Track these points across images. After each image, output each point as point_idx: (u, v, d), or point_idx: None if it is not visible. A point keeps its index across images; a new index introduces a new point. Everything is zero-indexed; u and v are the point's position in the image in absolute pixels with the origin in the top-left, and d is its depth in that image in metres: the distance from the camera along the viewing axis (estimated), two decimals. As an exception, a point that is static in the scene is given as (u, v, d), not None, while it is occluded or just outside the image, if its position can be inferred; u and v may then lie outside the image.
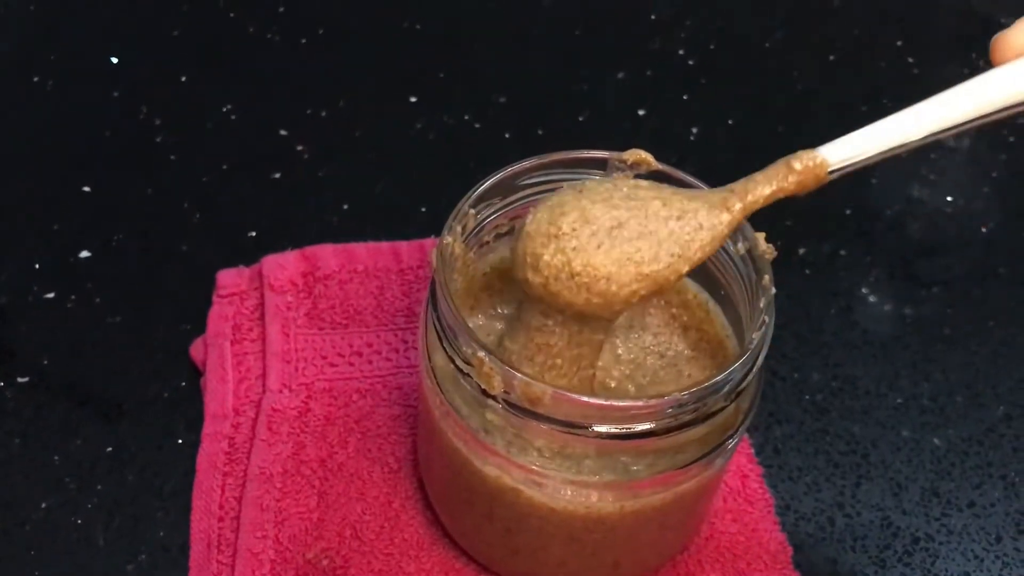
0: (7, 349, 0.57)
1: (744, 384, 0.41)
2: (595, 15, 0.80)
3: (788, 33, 0.79)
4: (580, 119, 0.72)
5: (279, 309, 0.57)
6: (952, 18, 0.81)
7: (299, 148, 0.69)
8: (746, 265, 0.44)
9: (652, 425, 0.39)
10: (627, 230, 0.40)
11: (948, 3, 0.82)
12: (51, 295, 0.59)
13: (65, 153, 0.68)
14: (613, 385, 0.46)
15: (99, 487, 0.52)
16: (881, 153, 0.40)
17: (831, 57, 0.77)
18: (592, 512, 0.42)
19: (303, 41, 0.76)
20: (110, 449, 0.53)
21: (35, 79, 0.72)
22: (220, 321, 0.57)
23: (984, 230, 0.67)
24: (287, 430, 0.52)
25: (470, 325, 0.47)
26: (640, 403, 0.39)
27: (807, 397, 0.57)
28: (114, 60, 0.74)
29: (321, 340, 0.56)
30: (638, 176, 0.44)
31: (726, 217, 0.40)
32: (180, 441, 0.54)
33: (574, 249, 0.39)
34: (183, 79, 0.73)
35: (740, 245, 0.44)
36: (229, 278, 0.58)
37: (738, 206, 0.40)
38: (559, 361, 0.43)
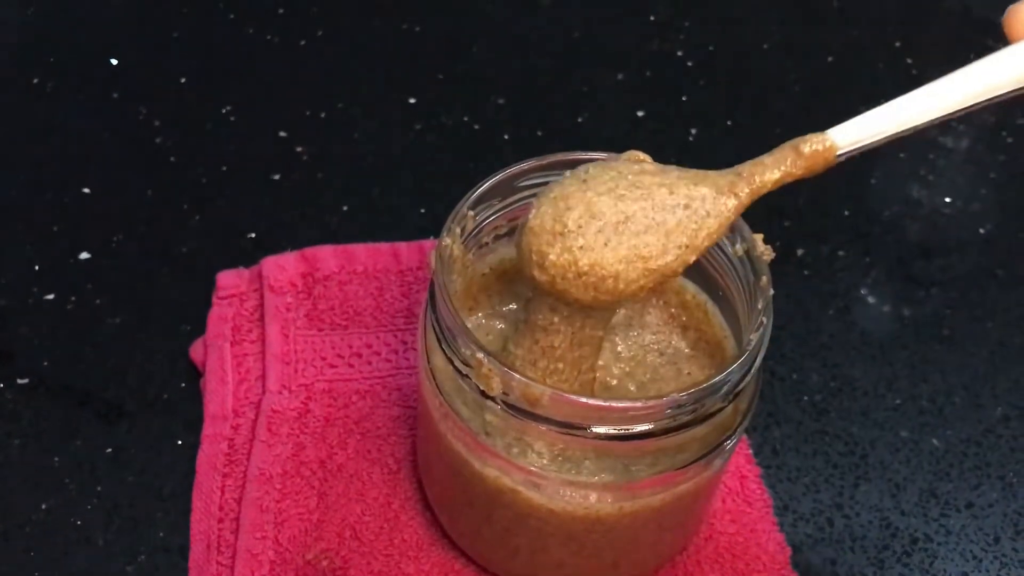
0: (7, 350, 0.57)
1: (742, 385, 0.41)
2: (594, 16, 0.80)
3: (786, 35, 0.79)
4: (579, 120, 0.72)
5: (279, 310, 0.57)
6: (950, 20, 0.81)
7: (298, 149, 0.69)
8: (744, 266, 0.44)
9: (650, 426, 0.39)
10: (634, 223, 0.39)
11: (946, 5, 0.82)
12: (51, 296, 0.59)
13: (65, 154, 0.68)
14: (614, 383, 0.46)
15: (99, 488, 0.52)
16: (891, 135, 0.39)
17: (829, 59, 0.78)
18: (591, 513, 0.42)
19: (302, 43, 0.76)
20: (110, 450, 0.53)
21: (35, 80, 0.72)
22: (220, 322, 0.57)
23: (982, 231, 0.67)
24: (287, 431, 0.53)
25: (469, 324, 0.47)
26: (638, 404, 0.39)
27: (806, 398, 0.57)
28: (114, 61, 0.74)
29: (321, 341, 0.56)
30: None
31: (733, 203, 0.40)
32: (180, 442, 0.54)
33: (581, 248, 0.39)
34: (183, 80, 0.73)
35: (738, 246, 0.44)
36: (229, 279, 0.59)
37: (745, 191, 0.40)
38: (561, 365, 0.43)
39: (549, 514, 0.43)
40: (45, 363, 0.56)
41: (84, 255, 0.62)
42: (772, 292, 0.42)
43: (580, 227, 0.39)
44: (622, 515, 0.43)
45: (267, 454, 0.52)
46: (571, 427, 0.39)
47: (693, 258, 0.40)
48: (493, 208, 0.46)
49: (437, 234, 0.44)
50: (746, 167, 0.40)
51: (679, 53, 0.77)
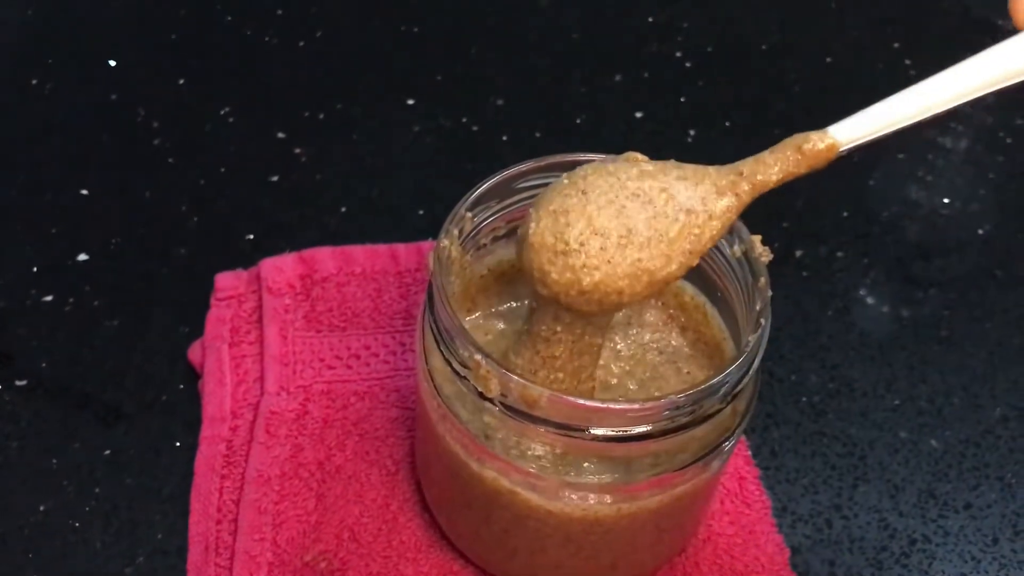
0: (6, 352, 0.57)
1: (740, 386, 0.41)
2: (592, 18, 0.80)
3: (785, 36, 0.79)
4: (577, 121, 0.72)
5: (277, 312, 0.57)
6: (949, 20, 0.81)
7: (297, 151, 0.69)
8: (742, 268, 0.44)
9: (648, 427, 0.39)
10: (637, 236, 0.39)
11: (945, 5, 0.82)
12: (49, 298, 0.59)
13: (63, 156, 0.68)
14: (614, 382, 0.47)
15: (97, 490, 0.52)
16: (892, 130, 0.39)
17: (828, 59, 0.78)
18: (589, 514, 0.42)
19: (301, 44, 0.76)
20: (108, 452, 0.53)
21: (33, 82, 0.72)
22: (218, 324, 0.57)
23: (981, 232, 0.67)
24: (285, 433, 0.53)
25: (468, 324, 0.48)
26: (636, 406, 0.39)
27: (804, 399, 0.57)
28: (112, 63, 0.74)
29: (319, 343, 0.56)
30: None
31: (735, 203, 0.40)
32: (178, 444, 0.54)
33: (583, 267, 0.39)
34: (181, 82, 0.73)
35: (737, 248, 0.44)
36: (227, 281, 0.59)
37: (746, 189, 0.40)
38: (561, 375, 0.43)
39: (547, 515, 0.43)
40: (43, 365, 0.56)
41: (82, 256, 0.62)
42: (770, 293, 0.42)
43: (582, 245, 0.39)
44: (620, 516, 0.43)
45: (265, 456, 0.51)
46: (569, 428, 0.39)
47: (696, 261, 0.40)
48: (491, 210, 0.46)
49: (436, 235, 0.43)
50: (747, 165, 0.40)
51: (677, 54, 0.77)
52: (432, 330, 0.42)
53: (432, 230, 0.63)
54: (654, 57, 0.77)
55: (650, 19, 0.80)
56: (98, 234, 0.63)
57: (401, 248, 0.60)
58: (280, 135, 0.70)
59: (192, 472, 0.52)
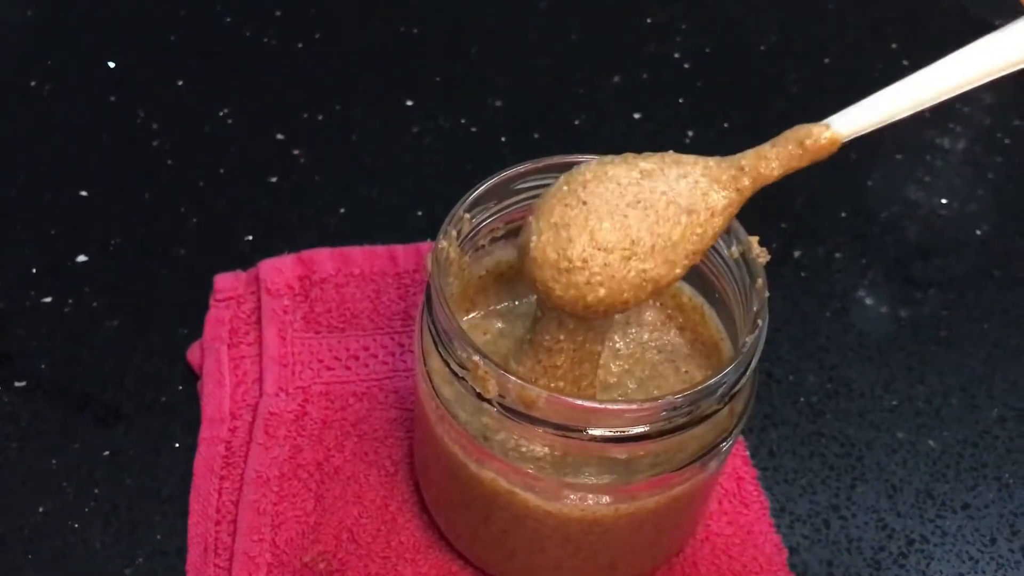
0: (5, 353, 0.57)
1: (738, 387, 0.41)
2: (591, 19, 0.80)
3: (783, 36, 0.80)
4: (576, 122, 0.72)
5: (276, 313, 0.57)
6: (947, 20, 0.81)
7: (296, 152, 0.69)
8: (740, 269, 0.44)
9: (646, 428, 0.39)
10: (640, 246, 0.38)
11: (942, 5, 0.82)
12: (48, 299, 0.59)
13: (62, 157, 0.68)
14: (613, 381, 0.47)
15: (96, 491, 0.52)
16: (893, 119, 0.39)
17: (826, 60, 0.78)
18: (587, 514, 0.42)
19: (300, 45, 0.76)
20: (107, 453, 0.53)
21: (32, 83, 0.72)
22: (217, 325, 0.57)
23: (979, 232, 0.67)
24: (284, 434, 0.53)
25: (466, 323, 0.48)
26: (634, 406, 0.39)
27: (802, 399, 0.57)
28: (111, 64, 0.74)
29: (318, 344, 0.56)
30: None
31: (736, 197, 0.39)
32: (177, 445, 0.54)
33: (587, 284, 0.39)
34: (180, 83, 0.73)
35: (734, 249, 0.44)
36: (226, 282, 0.59)
37: (747, 184, 0.39)
38: (562, 384, 0.44)
39: (546, 516, 0.43)
40: (43, 366, 0.56)
41: (82, 258, 0.62)
42: (768, 294, 0.42)
43: (585, 261, 0.38)
44: (619, 517, 0.43)
45: (264, 456, 0.52)
46: (567, 429, 0.39)
47: (699, 258, 0.40)
48: (490, 211, 0.45)
49: (434, 236, 0.43)
50: (748, 159, 0.39)
51: (676, 55, 0.77)
52: (430, 331, 0.42)
53: (431, 231, 0.63)
54: (653, 58, 0.77)
55: (649, 20, 0.80)
56: (97, 235, 0.63)
57: (400, 249, 0.61)
58: (279, 136, 0.70)
59: (191, 473, 0.52)
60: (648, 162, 0.40)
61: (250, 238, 0.63)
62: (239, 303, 0.58)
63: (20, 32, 0.76)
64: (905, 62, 0.77)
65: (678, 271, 0.39)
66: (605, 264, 0.38)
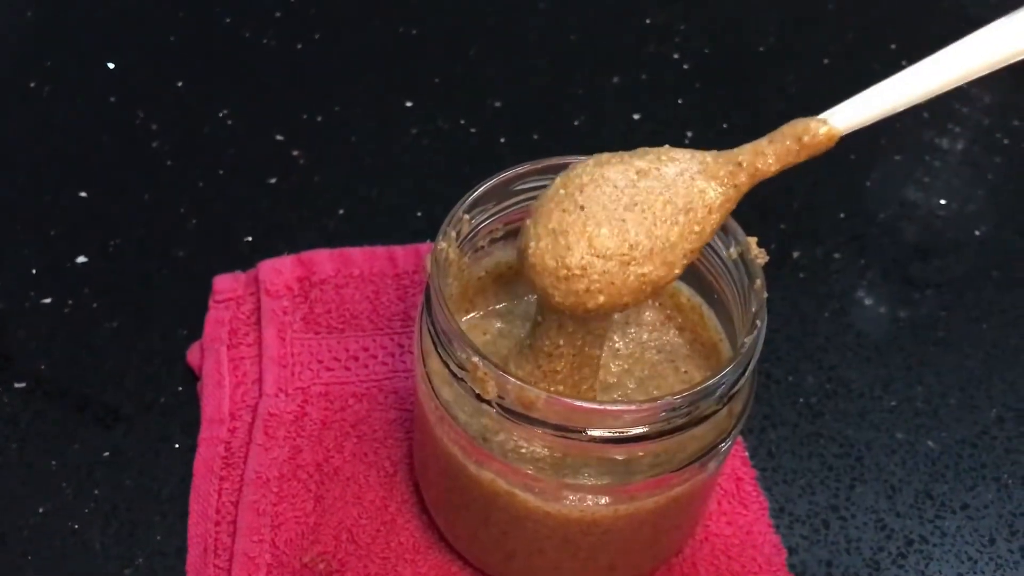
0: (4, 354, 0.57)
1: (737, 388, 0.41)
2: (590, 20, 0.80)
3: (782, 37, 0.80)
4: (575, 123, 0.72)
5: (275, 314, 0.57)
6: (946, 21, 0.81)
7: (295, 153, 0.69)
8: (738, 270, 0.44)
9: (645, 429, 0.39)
10: (639, 250, 0.38)
11: (941, 6, 0.82)
12: (48, 300, 0.59)
13: (62, 159, 0.68)
14: (613, 381, 0.47)
15: (96, 492, 0.52)
16: (890, 112, 0.39)
17: (825, 61, 0.78)
18: (587, 515, 0.42)
19: (299, 46, 0.76)
20: (107, 454, 0.53)
21: (32, 85, 0.72)
22: (216, 326, 0.57)
23: (978, 233, 0.67)
24: (283, 434, 0.53)
25: (466, 323, 0.48)
26: (633, 407, 0.39)
27: (801, 400, 0.57)
28: (111, 65, 0.74)
29: (317, 344, 0.56)
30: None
31: (734, 193, 0.39)
32: (177, 446, 0.54)
33: (587, 291, 0.39)
34: (179, 84, 0.73)
35: (732, 250, 0.44)
36: (225, 283, 0.59)
37: (744, 180, 0.39)
38: (562, 388, 0.44)
39: (545, 516, 0.43)
40: (42, 367, 0.56)
41: (81, 259, 0.62)
42: (766, 295, 0.42)
43: (584, 269, 0.38)
44: (618, 517, 0.43)
45: (264, 457, 0.52)
46: (566, 430, 0.39)
47: (697, 255, 0.40)
48: (489, 212, 0.46)
49: (434, 237, 0.43)
50: (746, 155, 0.39)
51: (675, 56, 0.77)
52: (430, 332, 0.42)
53: (430, 232, 0.63)
54: (652, 58, 0.77)
55: (648, 21, 0.80)
56: (97, 236, 0.63)
57: (399, 250, 0.61)
58: (278, 137, 0.70)
59: (191, 474, 0.52)
60: (644, 160, 0.40)
61: (249, 239, 0.63)
62: (238, 304, 0.58)
63: (20, 33, 0.76)
64: (904, 62, 0.76)
65: (677, 271, 0.39)
66: (604, 271, 0.38)
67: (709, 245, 0.45)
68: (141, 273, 0.61)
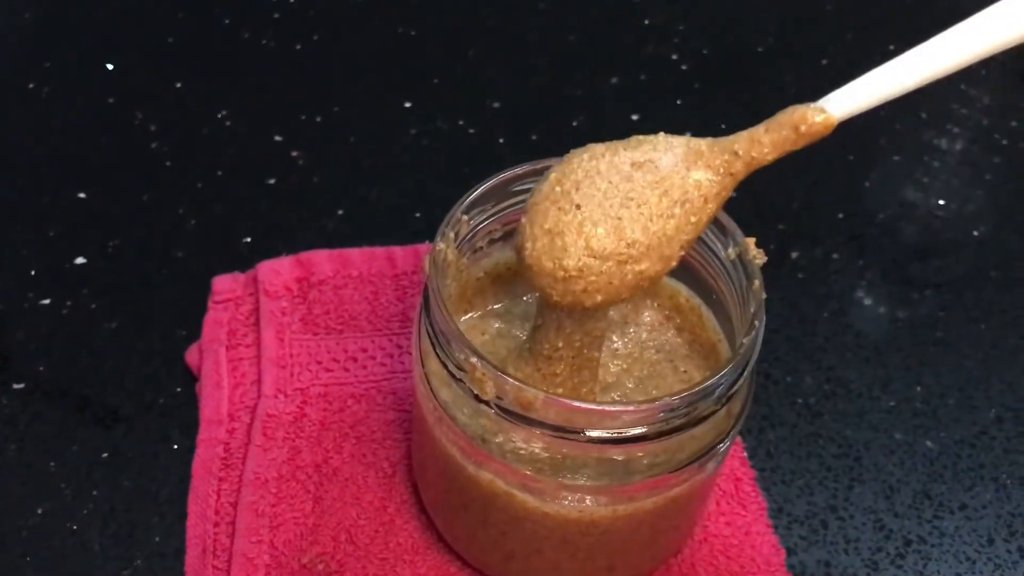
0: (3, 355, 0.57)
1: (735, 388, 0.41)
2: (589, 20, 0.80)
3: (781, 38, 0.80)
4: (574, 124, 0.72)
5: (274, 314, 0.57)
6: (944, 21, 0.81)
7: (294, 154, 0.69)
8: (737, 270, 0.44)
9: (644, 429, 0.39)
10: (636, 247, 0.38)
11: (940, 6, 0.82)
12: (47, 301, 0.59)
13: (60, 160, 0.68)
14: (612, 380, 0.47)
15: (95, 492, 0.52)
16: (887, 98, 0.39)
17: (824, 61, 0.78)
18: (585, 516, 0.42)
19: (298, 47, 0.76)
20: (106, 455, 0.53)
21: (31, 86, 0.72)
22: (215, 327, 0.57)
23: (977, 233, 0.67)
24: (282, 435, 0.53)
25: (464, 324, 0.48)
26: (631, 408, 0.39)
27: (800, 400, 0.57)
28: (109, 67, 0.74)
29: (316, 345, 0.56)
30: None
31: (730, 182, 0.39)
32: (176, 446, 0.54)
33: (584, 291, 0.39)
34: (178, 85, 0.73)
35: (731, 250, 0.44)
36: (224, 284, 0.59)
37: (740, 168, 0.39)
38: (561, 391, 0.44)
39: (544, 517, 0.43)
40: (41, 368, 0.56)
41: (80, 260, 0.62)
42: (765, 296, 0.42)
43: (581, 271, 0.38)
44: (616, 518, 0.43)
45: (263, 458, 0.52)
46: (565, 431, 0.39)
47: (692, 245, 0.40)
48: (487, 213, 0.46)
49: (433, 238, 0.43)
50: (742, 144, 0.39)
51: (674, 56, 0.77)
52: (428, 333, 0.42)
53: (429, 233, 0.63)
54: (651, 59, 0.77)
55: (647, 21, 0.80)
56: (95, 237, 0.63)
57: (398, 251, 0.61)
58: (277, 138, 0.70)
59: (189, 475, 0.52)
60: (639, 151, 0.39)
61: (248, 240, 0.63)
62: (237, 305, 0.58)
63: (19, 34, 0.76)
64: (903, 63, 0.77)
65: (674, 262, 0.39)
66: (601, 272, 0.38)
67: (708, 246, 0.45)
68: (140, 274, 0.61)
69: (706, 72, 0.76)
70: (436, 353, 0.41)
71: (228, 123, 0.70)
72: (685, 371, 0.47)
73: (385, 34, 0.78)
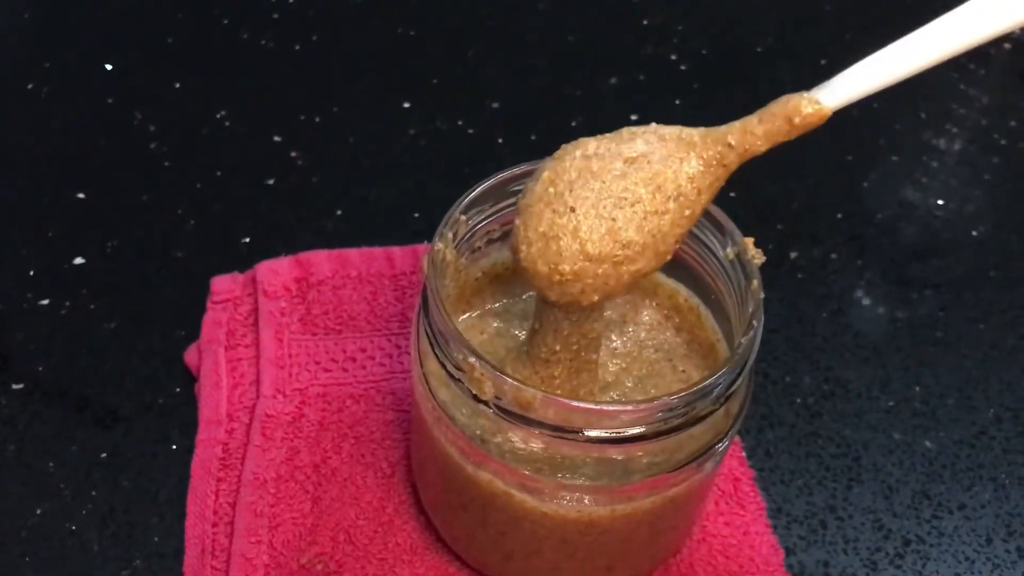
0: (2, 356, 0.57)
1: (733, 388, 0.41)
2: (588, 21, 0.80)
3: (780, 38, 0.80)
4: (573, 124, 0.72)
5: (273, 315, 0.57)
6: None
7: (293, 154, 0.69)
8: (735, 270, 0.44)
9: (642, 429, 0.39)
10: (632, 247, 0.38)
11: (938, 7, 0.82)
12: (46, 302, 0.59)
13: (60, 159, 0.68)
14: (611, 379, 0.47)
15: (94, 493, 0.52)
16: (880, 87, 0.38)
17: (823, 61, 0.78)
18: (584, 516, 0.42)
19: (297, 47, 0.76)
20: (105, 455, 0.53)
21: (30, 86, 0.72)
22: (214, 327, 0.57)
23: (976, 233, 0.67)
24: (281, 435, 0.53)
25: (463, 323, 0.48)
26: (630, 407, 0.39)
27: (799, 400, 0.57)
28: (108, 67, 0.74)
29: (315, 345, 0.56)
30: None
31: (723, 172, 0.39)
32: (174, 447, 0.54)
33: (582, 292, 0.39)
34: (177, 86, 0.73)
35: (729, 250, 0.44)
36: (223, 284, 0.59)
37: (733, 160, 0.39)
38: (559, 392, 0.44)
39: (543, 517, 0.43)
40: (40, 368, 0.56)
41: (79, 260, 0.62)
42: (763, 295, 0.42)
43: (577, 275, 0.39)
44: (615, 518, 0.43)
45: (261, 458, 0.52)
46: (563, 431, 0.39)
47: (685, 238, 0.40)
48: (485, 213, 0.46)
49: (431, 238, 0.44)
50: (735, 135, 0.39)
51: (673, 57, 0.77)
52: (427, 333, 0.42)
53: (428, 233, 0.62)
54: (650, 59, 0.77)
55: (645, 22, 0.80)
56: (94, 237, 0.63)
57: (397, 251, 0.61)
58: (276, 138, 0.70)
59: (188, 475, 0.52)
60: (631, 146, 0.39)
61: (247, 240, 0.63)
62: (236, 305, 0.58)
63: (18, 34, 0.76)
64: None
65: (668, 257, 0.40)
66: (597, 274, 0.39)
67: (706, 245, 0.45)
68: (139, 274, 0.61)
69: (705, 72, 0.76)
70: (435, 353, 0.41)
71: (227, 123, 0.70)
72: (684, 371, 0.47)
73: (385, 34, 0.78)
